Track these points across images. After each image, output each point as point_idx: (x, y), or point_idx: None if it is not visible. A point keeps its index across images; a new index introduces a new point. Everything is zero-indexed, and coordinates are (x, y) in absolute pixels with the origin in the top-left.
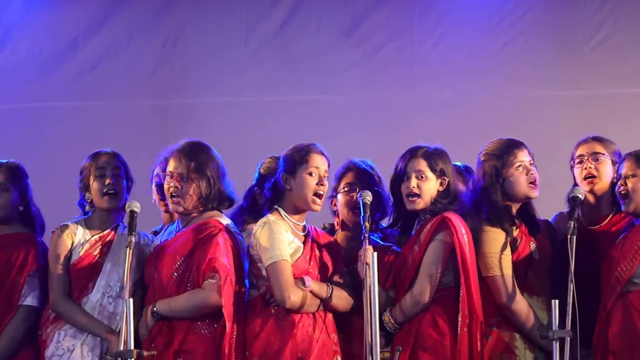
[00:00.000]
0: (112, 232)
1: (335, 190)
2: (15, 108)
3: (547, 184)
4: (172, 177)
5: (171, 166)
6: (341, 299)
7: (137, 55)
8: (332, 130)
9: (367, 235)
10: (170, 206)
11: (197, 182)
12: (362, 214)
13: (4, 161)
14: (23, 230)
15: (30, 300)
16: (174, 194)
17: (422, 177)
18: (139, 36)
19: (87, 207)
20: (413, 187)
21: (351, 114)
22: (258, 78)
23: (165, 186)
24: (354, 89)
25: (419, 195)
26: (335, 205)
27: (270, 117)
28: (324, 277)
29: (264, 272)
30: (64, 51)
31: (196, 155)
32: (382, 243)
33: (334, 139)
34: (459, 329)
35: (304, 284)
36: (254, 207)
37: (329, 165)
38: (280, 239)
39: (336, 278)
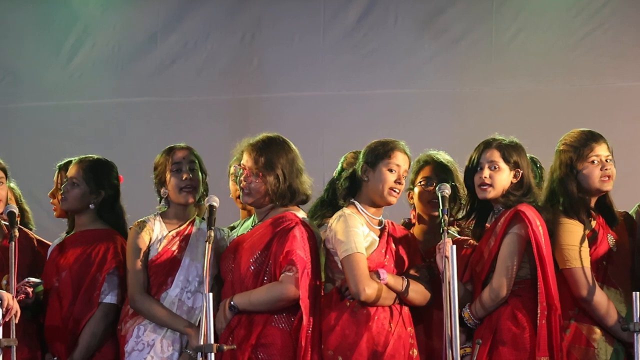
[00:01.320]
0: (189, 227)
1: (412, 184)
2: (94, 104)
3: (629, 175)
4: (243, 170)
5: (244, 159)
6: (417, 292)
7: (215, 50)
8: (410, 123)
9: (445, 228)
10: (241, 198)
11: (265, 178)
12: (441, 208)
13: (87, 157)
14: (103, 226)
15: (109, 298)
16: (243, 188)
17: (495, 167)
18: (216, 31)
19: (161, 203)
20: (485, 177)
21: (429, 107)
22: (336, 72)
23: (239, 178)
24: (432, 81)
25: (490, 185)
26: (412, 198)
27: (348, 111)
28: (400, 270)
29: (339, 266)
30: (142, 47)
31: (268, 151)
32: (458, 236)
33: (412, 132)
34: (537, 321)
35: (379, 276)
36: (334, 201)
37: (409, 166)
38: (356, 232)
39: (413, 271)
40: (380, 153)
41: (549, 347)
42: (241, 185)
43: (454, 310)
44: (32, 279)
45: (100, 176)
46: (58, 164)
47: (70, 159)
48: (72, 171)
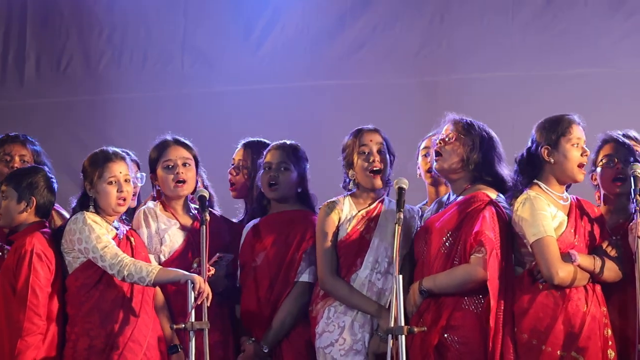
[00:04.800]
0: (379, 206)
1: (594, 164)
2: (284, 87)
3: None
4: (439, 140)
5: (442, 130)
6: (610, 270)
7: (404, 32)
8: (602, 103)
9: (638, 208)
10: (435, 166)
11: (460, 142)
12: (633, 187)
13: (287, 142)
14: (300, 207)
15: (306, 277)
16: (437, 152)
17: None
18: (405, 13)
19: (350, 185)
20: None
21: (622, 87)
22: (527, 52)
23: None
24: (625, 61)
25: None
26: (595, 179)
27: (538, 91)
28: (591, 247)
29: (529, 249)
30: (331, 30)
31: (467, 121)
32: None
33: (604, 112)
34: None
35: (570, 258)
36: None
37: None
38: (543, 214)
39: (603, 248)
40: (559, 132)
41: None
42: (436, 149)
43: None
44: (221, 254)
45: (301, 159)
46: (243, 142)
47: (257, 139)
48: (277, 156)
